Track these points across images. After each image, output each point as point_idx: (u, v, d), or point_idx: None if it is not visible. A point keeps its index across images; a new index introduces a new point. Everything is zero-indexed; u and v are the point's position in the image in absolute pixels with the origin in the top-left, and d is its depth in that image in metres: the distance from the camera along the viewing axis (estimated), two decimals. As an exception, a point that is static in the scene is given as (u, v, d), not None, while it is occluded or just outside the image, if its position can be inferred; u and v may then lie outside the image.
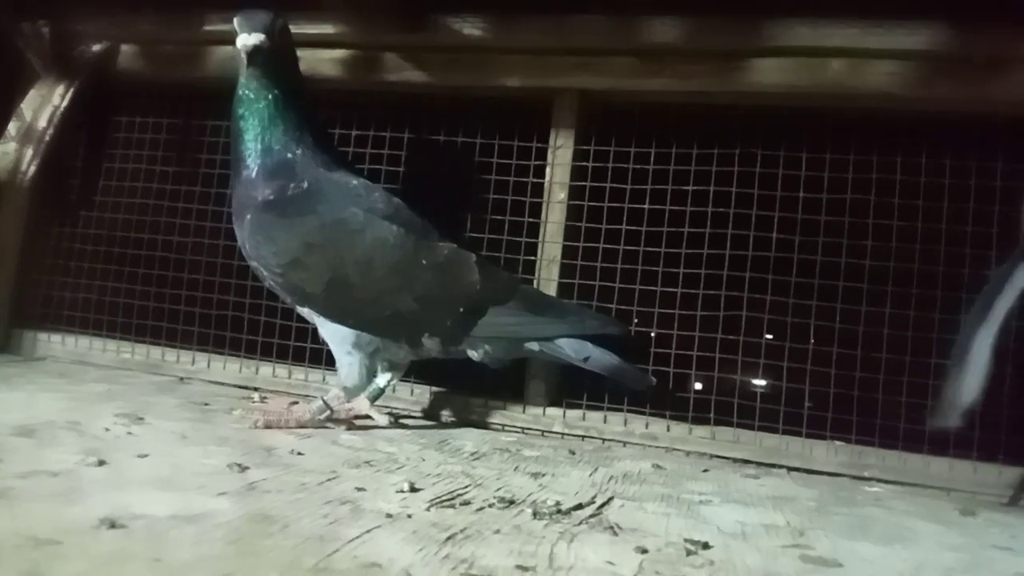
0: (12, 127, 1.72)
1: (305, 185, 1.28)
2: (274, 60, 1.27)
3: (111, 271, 1.77)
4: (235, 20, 1.26)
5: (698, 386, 1.48)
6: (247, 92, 1.29)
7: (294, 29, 1.59)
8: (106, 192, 1.83)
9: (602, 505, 0.95)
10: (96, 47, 1.78)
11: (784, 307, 1.39)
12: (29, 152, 1.72)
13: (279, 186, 1.28)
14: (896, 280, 1.36)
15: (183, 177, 1.77)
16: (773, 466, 1.35)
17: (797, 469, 1.34)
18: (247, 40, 1.23)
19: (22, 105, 1.74)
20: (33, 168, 1.71)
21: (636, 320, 1.46)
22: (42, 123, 1.75)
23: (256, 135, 1.29)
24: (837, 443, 1.36)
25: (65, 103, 1.75)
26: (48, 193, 1.81)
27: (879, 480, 1.30)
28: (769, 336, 1.43)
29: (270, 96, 1.28)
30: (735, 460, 1.37)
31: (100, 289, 1.78)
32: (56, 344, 1.75)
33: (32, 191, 1.75)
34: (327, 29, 1.60)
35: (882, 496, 1.21)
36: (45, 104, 1.75)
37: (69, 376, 1.54)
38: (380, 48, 1.61)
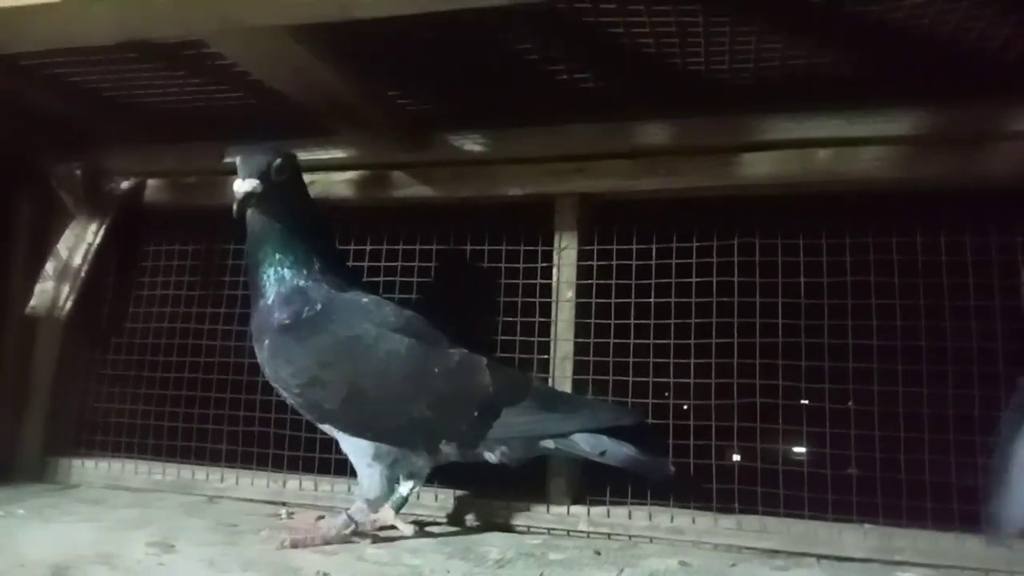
0: (49, 266, 1.82)
1: (319, 307, 1.34)
2: (274, 198, 1.33)
3: (141, 394, 1.83)
4: (237, 162, 1.33)
5: (734, 458, 1.46)
6: (254, 229, 1.36)
7: (307, 156, 1.71)
8: (135, 318, 1.91)
9: (626, 612, 0.95)
10: (124, 184, 1.89)
11: (797, 391, 1.40)
12: (66, 289, 1.81)
13: (294, 311, 1.33)
14: (905, 358, 1.37)
15: (207, 299, 1.85)
16: (803, 555, 1.33)
17: (827, 556, 1.32)
18: (239, 187, 1.30)
19: (58, 245, 1.83)
20: (70, 303, 1.79)
21: (650, 414, 1.47)
22: (77, 260, 1.84)
23: (268, 267, 1.35)
24: (867, 526, 1.34)
25: (98, 240, 1.85)
26: (81, 323, 1.89)
27: (912, 564, 1.27)
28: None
29: (276, 230, 1.35)
30: (764, 551, 1.35)
31: (131, 412, 1.83)
32: (90, 469, 1.79)
33: (67, 324, 1.83)
34: (338, 153, 1.71)
35: (915, 581, 1.19)
36: (80, 242, 1.84)
37: (103, 503, 1.58)
38: (388, 167, 1.70)
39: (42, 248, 1.87)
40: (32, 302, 1.80)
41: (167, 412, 1.80)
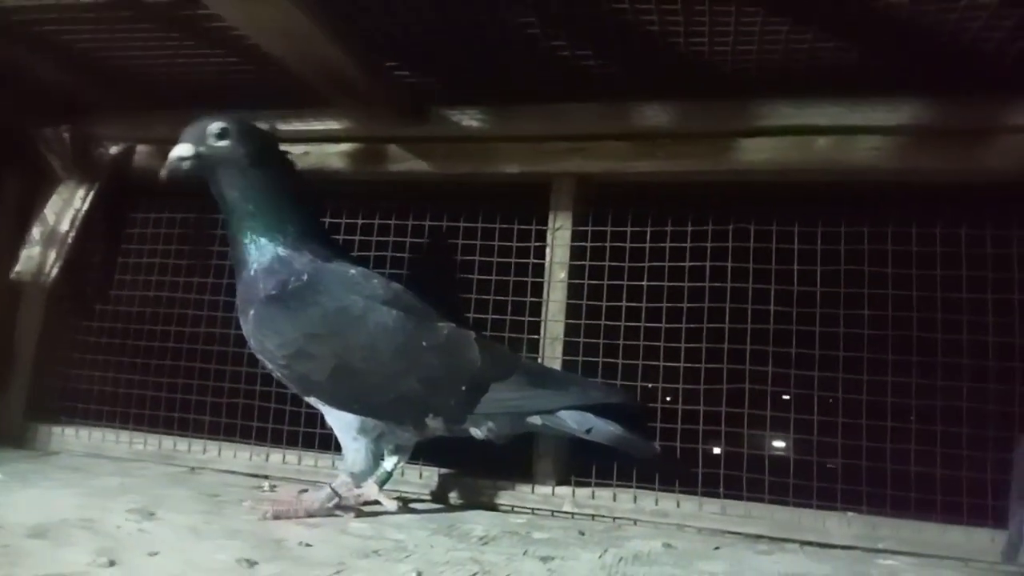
0: (36, 231, 1.79)
1: (305, 278, 1.32)
2: (226, 165, 1.32)
3: (125, 363, 1.81)
4: None
5: (716, 451, 1.47)
6: (222, 197, 1.35)
7: (302, 126, 1.70)
8: (121, 286, 1.89)
9: (611, 589, 0.95)
10: (114, 149, 1.86)
11: (786, 378, 1.40)
12: (52, 254, 1.78)
13: (279, 281, 1.32)
14: (895, 348, 1.37)
15: (195, 269, 1.82)
16: (787, 540, 1.33)
17: (811, 543, 1.32)
18: (172, 152, 1.32)
19: (45, 210, 1.80)
20: (55, 270, 1.77)
21: (639, 397, 1.47)
22: (64, 226, 1.81)
23: (245, 237, 1.34)
24: (850, 514, 1.35)
25: (86, 205, 1.82)
26: (66, 290, 1.86)
27: (894, 552, 1.28)
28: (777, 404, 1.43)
29: (241, 198, 1.33)
30: (748, 535, 1.36)
31: (114, 381, 1.81)
32: (71, 437, 1.77)
33: (52, 291, 1.81)
34: (334, 125, 1.68)
35: (897, 569, 1.19)
36: (67, 207, 1.82)
37: (83, 470, 1.56)
38: (384, 140, 1.68)
39: (28, 215, 1.84)
40: (17, 267, 1.78)
41: (150, 382, 1.78)
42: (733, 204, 1.48)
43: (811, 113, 1.42)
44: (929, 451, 1.31)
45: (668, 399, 1.50)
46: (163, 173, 1.34)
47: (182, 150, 1.32)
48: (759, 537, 1.35)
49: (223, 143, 1.32)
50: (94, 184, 1.85)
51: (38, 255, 1.79)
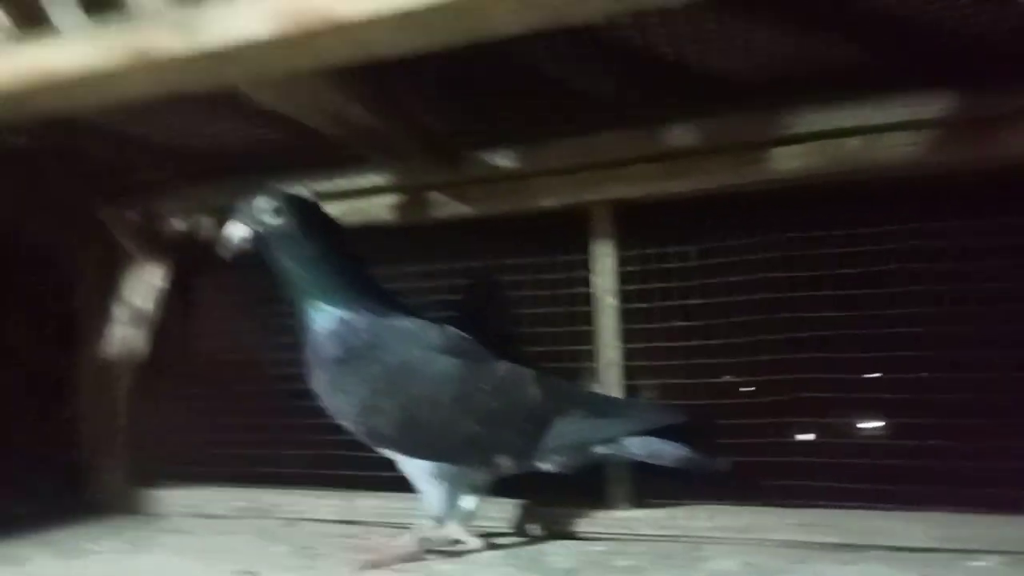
0: (118, 311, 1.93)
1: (365, 337, 1.38)
2: (281, 240, 1.39)
3: (213, 424, 1.92)
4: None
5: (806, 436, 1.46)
6: (278, 271, 1.42)
7: (345, 184, 1.77)
8: (199, 351, 2.00)
9: (690, 623, 0.97)
10: (179, 225, 1.98)
11: (846, 384, 1.39)
12: (139, 333, 1.92)
13: (342, 343, 1.38)
14: (958, 345, 1.34)
15: (267, 329, 1.91)
16: (870, 547, 1.32)
17: (896, 548, 1.30)
18: (230, 232, 1.39)
19: (126, 292, 1.94)
20: (139, 344, 1.89)
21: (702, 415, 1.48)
22: (141, 302, 1.94)
23: (309, 305, 1.40)
24: (936, 515, 1.32)
25: (159, 281, 1.94)
26: (151, 360, 1.99)
27: (985, 552, 1.25)
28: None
29: (297, 270, 1.39)
30: (830, 544, 1.35)
31: (205, 443, 1.92)
32: (172, 499, 1.89)
33: (139, 364, 1.93)
34: (375, 179, 1.74)
35: (988, 571, 1.17)
36: (143, 285, 1.94)
37: (187, 532, 1.67)
38: (424, 188, 1.73)
39: (107, 291, 1.98)
40: (104, 346, 1.90)
41: (239, 440, 1.88)
42: (771, 213, 1.46)
43: (838, 116, 1.40)
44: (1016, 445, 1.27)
45: (740, 402, 1.49)
46: (225, 255, 1.41)
47: (239, 231, 1.39)
48: (841, 546, 1.34)
49: (279, 220, 1.39)
50: (164, 260, 1.97)
51: (127, 335, 1.92)
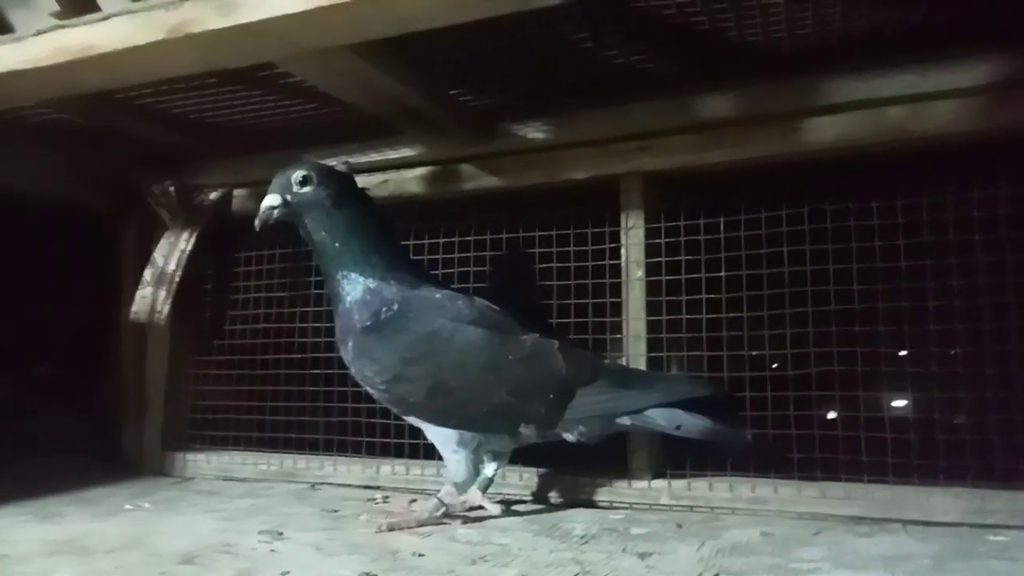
0: (147, 273, 1.97)
1: (396, 307, 1.41)
2: (311, 209, 1.42)
3: (244, 391, 1.97)
4: None
5: (832, 414, 1.46)
6: (310, 240, 1.45)
7: (379, 157, 1.80)
8: (233, 320, 2.05)
9: (707, 583, 0.99)
10: (213, 195, 2.02)
11: (876, 357, 1.38)
12: (163, 293, 1.94)
13: (372, 312, 1.41)
14: (992, 316, 1.33)
15: (297, 299, 1.96)
16: (888, 521, 1.32)
17: (914, 522, 1.30)
18: (263, 203, 1.43)
19: (154, 253, 1.98)
20: (167, 306, 1.93)
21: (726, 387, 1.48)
22: (172, 266, 1.97)
23: (336, 274, 1.43)
24: (956, 489, 1.32)
25: (190, 246, 1.97)
26: (183, 326, 2.04)
27: (1006, 527, 1.24)
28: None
29: (329, 239, 1.43)
30: (848, 517, 1.35)
31: (236, 408, 1.97)
32: (203, 463, 1.95)
33: (170, 326, 1.98)
34: (408, 152, 1.77)
35: (1009, 546, 1.16)
36: (173, 249, 1.98)
37: (217, 494, 1.71)
38: (456, 161, 1.75)
39: (147, 260, 2.03)
40: (133, 307, 1.95)
41: (268, 407, 1.92)
42: (806, 185, 1.46)
43: (880, 84, 1.39)
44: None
45: (776, 365, 1.49)
46: (256, 223, 1.45)
47: (271, 200, 1.43)
48: (860, 519, 1.34)
49: (307, 189, 1.42)
50: (196, 227, 2.01)
51: (150, 295, 1.95)
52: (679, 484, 1.50)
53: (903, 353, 1.40)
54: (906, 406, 1.43)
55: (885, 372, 1.40)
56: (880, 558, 1.09)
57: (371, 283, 1.42)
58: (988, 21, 1.31)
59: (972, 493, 1.30)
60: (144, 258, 2.03)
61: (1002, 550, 1.14)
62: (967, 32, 1.33)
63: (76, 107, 1.67)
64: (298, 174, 1.42)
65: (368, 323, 1.41)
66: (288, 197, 1.43)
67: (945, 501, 1.31)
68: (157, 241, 2.03)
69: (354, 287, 1.43)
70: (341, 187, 1.46)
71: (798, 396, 1.43)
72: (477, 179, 1.74)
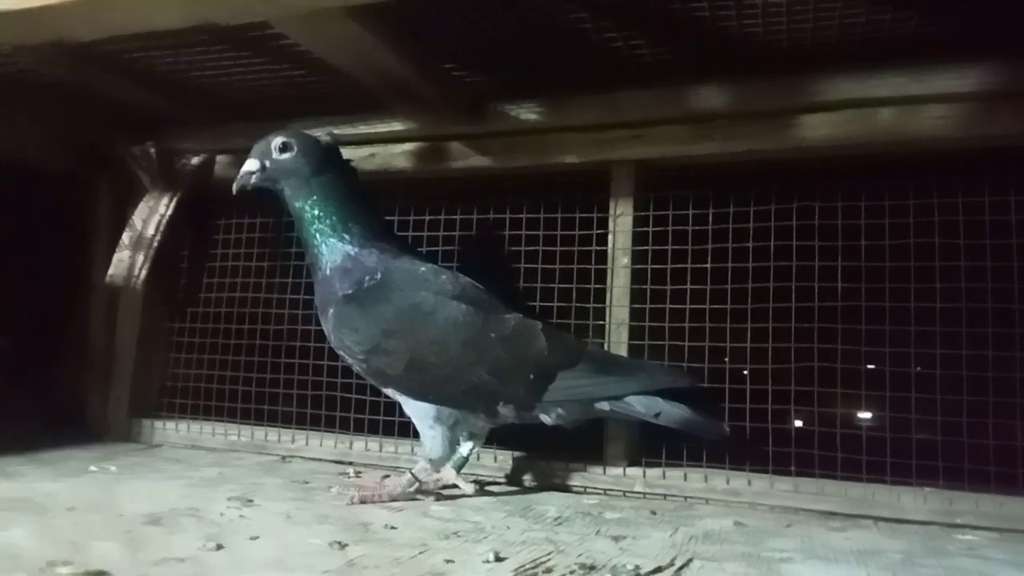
0: (125, 236, 1.92)
1: (379, 276, 1.39)
2: (289, 175, 1.42)
3: (217, 360, 1.93)
4: None
5: (798, 423, 1.47)
6: (288, 206, 1.44)
7: (367, 129, 1.77)
8: (209, 288, 2.01)
9: (681, 567, 0.98)
10: (194, 160, 1.98)
11: (856, 355, 1.40)
12: (140, 258, 1.91)
13: (354, 281, 1.39)
14: (969, 321, 1.34)
15: (276, 270, 1.93)
16: (860, 517, 1.34)
17: (885, 519, 1.32)
18: (240, 170, 1.43)
19: (133, 216, 1.94)
20: (144, 271, 1.89)
21: (707, 378, 1.49)
22: (150, 231, 1.93)
23: (319, 240, 1.42)
24: (927, 489, 1.34)
25: (170, 211, 1.94)
26: (158, 293, 2.00)
27: (973, 527, 1.27)
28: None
29: (305, 205, 1.42)
30: (820, 512, 1.37)
31: (208, 377, 1.94)
32: (171, 431, 1.92)
33: (144, 292, 1.94)
34: (397, 127, 1.74)
35: (976, 545, 1.18)
36: (152, 214, 1.94)
37: (185, 461, 1.69)
38: (446, 138, 1.73)
39: (121, 225, 1.98)
40: (110, 271, 1.90)
41: (241, 377, 1.89)
42: (795, 182, 1.46)
43: (872, 85, 1.40)
44: (1008, 424, 1.29)
45: (744, 372, 1.50)
46: (234, 187, 1.44)
47: (250, 165, 1.42)
48: (832, 514, 1.36)
49: (286, 156, 1.41)
50: (177, 192, 1.96)
51: (128, 259, 1.91)
52: (654, 473, 1.50)
53: (871, 366, 1.41)
54: (876, 412, 1.44)
55: (864, 371, 1.41)
56: (852, 552, 1.10)
57: (351, 250, 1.41)
58: (980, 30, 1.32)
59: (941, 494, 1.32)
60: (117, 224, 1.99)
61: (970, 548, 1.15)
62: (960, 39, 1.34)
63: (51, 60, 1.61)
64: (278, 140, 1.42)
65: (350, 291, 1.39)
66: (267, 163, 1.42)
67: (915, 500, 1.32)
68: (132, 206, 1.99)
69: (333, 254, 1.41)
70: (322, 156, 1.44)
71: (776, 391, 1.44)
72: (466, 158, 1.72)
